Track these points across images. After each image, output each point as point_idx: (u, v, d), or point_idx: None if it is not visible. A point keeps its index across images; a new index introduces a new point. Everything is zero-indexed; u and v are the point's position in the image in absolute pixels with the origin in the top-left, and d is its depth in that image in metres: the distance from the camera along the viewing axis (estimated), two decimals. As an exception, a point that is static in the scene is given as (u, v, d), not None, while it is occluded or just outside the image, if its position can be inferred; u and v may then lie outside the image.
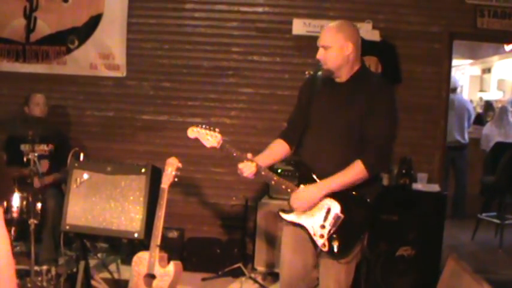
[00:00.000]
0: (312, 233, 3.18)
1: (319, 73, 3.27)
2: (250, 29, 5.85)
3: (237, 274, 5.22)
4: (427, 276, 4.81)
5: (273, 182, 3.28)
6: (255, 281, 5.11)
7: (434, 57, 5.60)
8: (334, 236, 3.13)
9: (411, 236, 4.88)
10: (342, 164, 3.12)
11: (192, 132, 3.39)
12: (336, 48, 3.11)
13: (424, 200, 5.02)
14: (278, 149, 3.42)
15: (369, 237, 4.76)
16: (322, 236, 3.15)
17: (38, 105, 5.28)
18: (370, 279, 4.89)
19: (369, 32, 5.47)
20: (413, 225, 4.88)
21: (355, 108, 3.13)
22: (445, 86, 5.67)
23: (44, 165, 5.01)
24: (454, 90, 7.91)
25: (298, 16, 5.70)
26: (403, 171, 5.08)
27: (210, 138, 3.33)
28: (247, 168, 3.23)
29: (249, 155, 3.26)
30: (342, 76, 3.19)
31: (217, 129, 3.36)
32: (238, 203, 5.62)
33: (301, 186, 3.22)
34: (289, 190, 3.23)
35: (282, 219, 3.32)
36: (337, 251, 3.13)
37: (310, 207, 3.17)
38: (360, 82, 3.18)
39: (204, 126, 3.37)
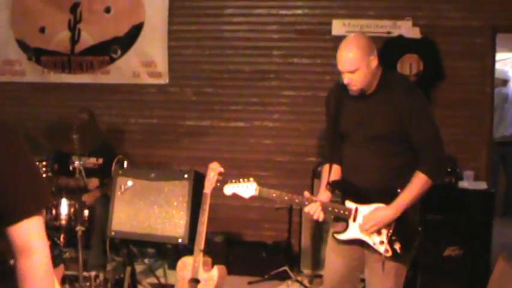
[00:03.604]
0: (371, 243, 3.14)
1: (342, 81, 3.17)
2: (289, 31, 5.85)
3: (283, 277, 5.22)
4: (477, 276, 4.71)
5: (336, 210, 3.21)
6: (301, 284, 5.11)
7: (477, 52, 5.48)
8: (394, 238, 3.10)
9: (459, 235, 4.79)
10: (380, 177, 3.11)
11: (228, 189, 3.40)
12: (363, 68, 3.01)
13: (471, 198, 4.91)
14: (332, 175, 3.32)
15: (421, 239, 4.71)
16: (382, 243, 3.11)
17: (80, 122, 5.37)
18: (418, 281, 4.82)
19: (409, 29, 5.42)
20: (461, 225, 4.79)
21: (386, 119, 3.08)
22: (489, 81, 5.54)
23: (94, 183, 5.11)
24: (506, 82, 7.72)
25: (337, 17, 5.67)
26: (448, 169, 4.99)
27: (247, 189, 3.33)
28: (314, 210, 3.16)
29: (306, 194, 3.22)
30: (371, 87, 3.13)
31: (251, 178, 3.34)
32: (283, 206, 5.61)
33: (347, 202, 3.19)
34: (346, 213, 3.18)
35: (338, 240, 3.26)
36: (401, 251, 3.10)
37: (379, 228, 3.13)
38: (386, 90, 3.11)
39: (237, 180, 3.36)
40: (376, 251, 3.14)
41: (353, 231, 3.19)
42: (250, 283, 5.15)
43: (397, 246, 3.09)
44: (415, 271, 4.82)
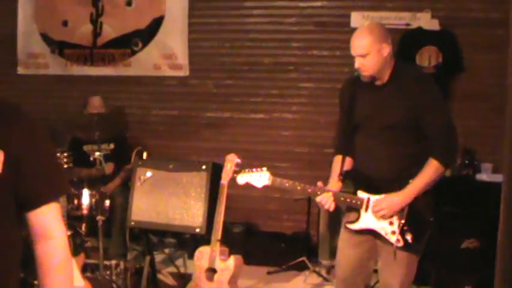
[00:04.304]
0: (383, 233, 3.18)
1: (356, 73, 3.23)
2: (309, 23, 5.88)
3: (301, 268, 5.27)
4: (494, 269, 4.70)
5: (348, 200, 3.25)
6: (319, 275, 5.14)
7: (497, 44, 5.42)
8: (405, 228, 3.13)
9: (476, 228, 4.78)
10: (393, 166, 3.15)
11: (241, 179, 3.47)
12: (373, 53, 3.07)
13: (489, 191, 4.89)
14: (343, 166, 3.36)
15: (433, 230, 4.72)
16: (394, 233, 3.14)
17: (95, 108, 5.48)
18: (435, 273, 4.83)
19: (428, 21, 5.41)
20: (478, 217, 4.78)
21: (399, 108, 3.12)
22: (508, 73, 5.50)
23: (109, 167, 5.20)
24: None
25: (356, 9, 5.68)
26: (466, 161, 4.99)
27: (260, 178, 3.37)
28: (326, 200, 3.20)
29: (319, 184, 3.26)
30: (383, 77, 3.17)
31: (264, 168, 3.38)
32: (302, 197, 5.64)
33: (359, 192, 3.23)
34: (358, 203, 3.22)
35: (350, 230, 3.30)
36: (412, 242, 3.13)
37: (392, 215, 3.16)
38: (399, 80, 3.15)
39: (250, 169, 3.42)
40: (387, 241, 3.17)
41: (365, 221, 3.22)
42: (268, 273, 5.21)
43: (408, 237, 3.12)
44: (432, 263, 4.83)
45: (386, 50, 3.10)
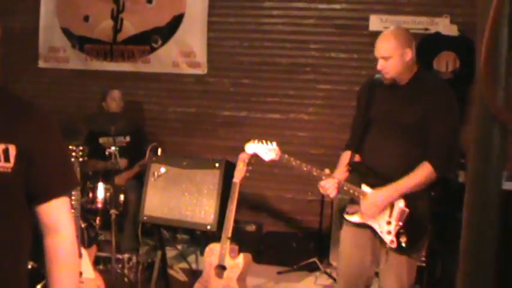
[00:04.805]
0: (379, 230, 3.20)
1: (377, 76, 3.29)
2: (327, 25, 5.88)
3: (312, 268, 5.27)
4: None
5: (351, 191, 3.27)
6: (330, 276, 5.14)
7: (516, 51, 5.42)
8: (402, 231, 3.14)
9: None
10: (402, 165, 3.16)
11: (250, 148, 3.51)
12: (396, 57, 3.11)
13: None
14: (352, 159, 3.39)
15: (445, 235, 4.70)
16: (389, 233, 3.16)
17: (114, 100, 5.56)
18: (447, 279, 4.81)
19: (446, 27, 5.38)
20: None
21: (414, 110, 3.15)
22: (527, 80, 5.47)
23: (123, 163, 5.25)
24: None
25: (374, 12, 5.68)
26: (480, 168, 4.96)
27: (268, 152, 3.41)
28: (329, 186, 3.23)
29: (327, 171, 3.30)
30: (402, 81, 3.21)
31: (274, 142, 3.42)
32: (315, 198, 5.66)
33: (363, 186, 3.25)
34: (360, 196, 3.24)
35: (347, 221, 3.33)
36: (406, 245, 3.14)
37: (381, 211, 3.18)
38: (418, 84, 3.19)
39: (260, 140, 3.46)
40: (383, 241, 3.20)
41: (360, 216, 3.25)
42: (279, 273, 5.22)
43: (403, 240, 3.14)
44: (444, 268, 4.82)
45: (409, 55, 3.14)
